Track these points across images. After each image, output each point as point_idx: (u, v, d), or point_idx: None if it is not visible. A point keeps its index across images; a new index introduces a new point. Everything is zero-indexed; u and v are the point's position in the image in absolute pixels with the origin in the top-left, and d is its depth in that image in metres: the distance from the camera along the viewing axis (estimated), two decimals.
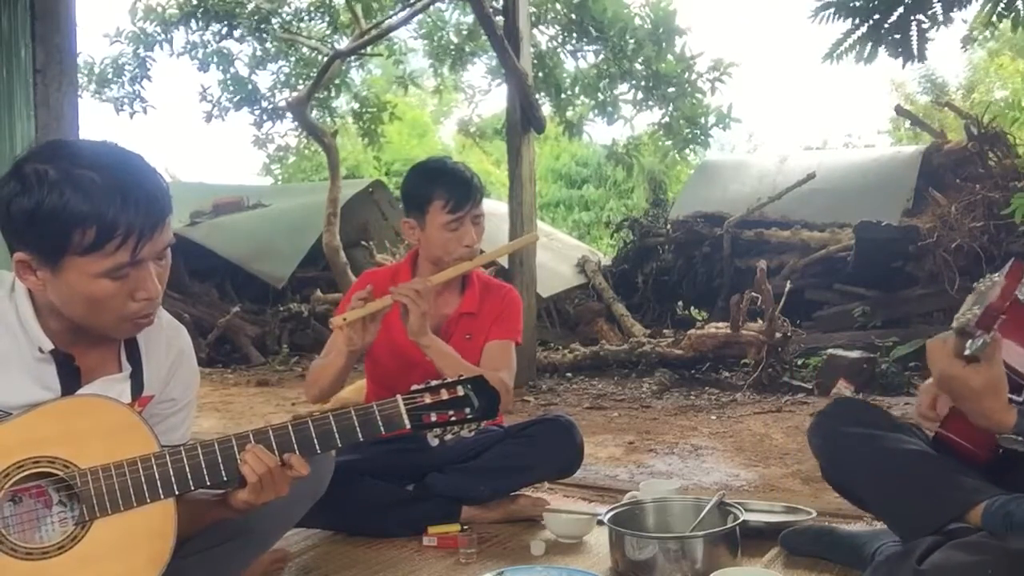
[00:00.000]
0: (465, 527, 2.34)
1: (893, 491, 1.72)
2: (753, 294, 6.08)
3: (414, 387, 1.54)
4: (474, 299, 2.44)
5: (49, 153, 1.35)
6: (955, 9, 3.69)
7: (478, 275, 2.50)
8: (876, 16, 3.66)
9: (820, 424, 1.93)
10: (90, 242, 1.31)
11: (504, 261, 6.81)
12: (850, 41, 3.76)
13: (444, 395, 1.54)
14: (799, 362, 6.40)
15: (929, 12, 3.65)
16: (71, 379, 1.43)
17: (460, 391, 1.54)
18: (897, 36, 3.68)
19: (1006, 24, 3.83)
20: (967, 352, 1.48)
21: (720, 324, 6.54)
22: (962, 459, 1.69)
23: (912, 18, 3.66)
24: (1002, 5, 3.63)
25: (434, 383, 1.55)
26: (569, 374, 6.89)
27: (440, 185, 2.32)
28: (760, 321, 6.18)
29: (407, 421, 1.51)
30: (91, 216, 1.30)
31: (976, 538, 1.51)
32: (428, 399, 1.53)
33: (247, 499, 1.46)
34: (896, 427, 1.83)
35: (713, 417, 5.18)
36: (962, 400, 1.56)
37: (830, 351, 6.02)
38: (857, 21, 3.70)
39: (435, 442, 1.54)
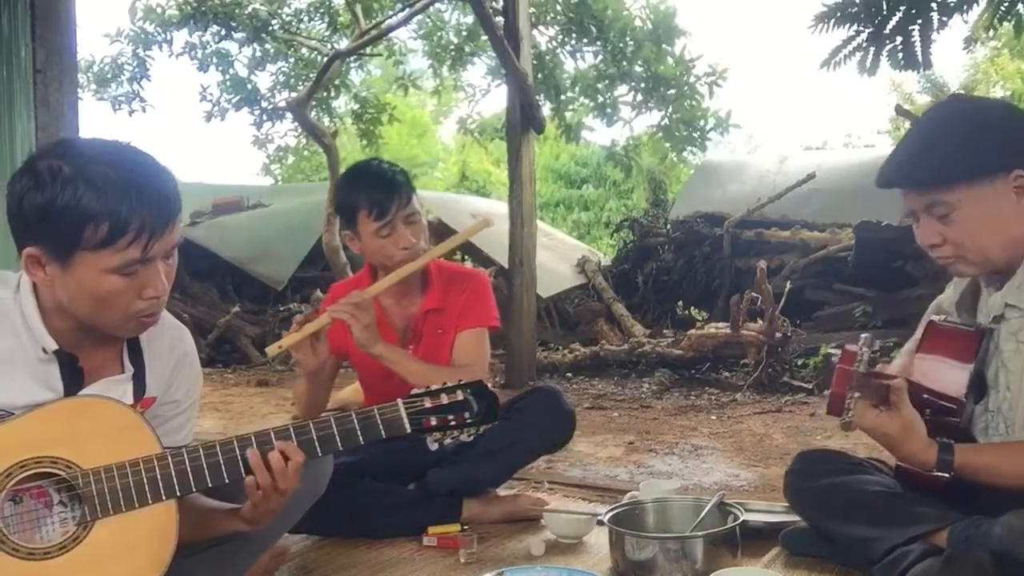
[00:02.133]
0: (465, 527, 2.34)
1: (861, 530, 1.77)
2: (753, 294, 6.08)
3: (415, 391, 1.55)
4: (436, 294, 2.40)
5: (62, 150, 1.36)
6: (958, 13, 3.67)
7: (439, 267, 2.45)
8: (877, 20, 3.63)
9: (791, 485, 1.98)
10: (102, 238, 1.32)
11: (504, 261, 6.80)
12: (850, 48, 3.73)
13: (444, 400, 1.55)
14: (799, 362, 6.40)
15: (928, 16, 3.63)
16: (74, 380, 1.43)
17: (460, 395, 1.55)
18: (899, 41, 3.66)
19: (1007, 24, 3.81)
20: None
21: (720, 324, 6.54)
22: (925, 486, 1.72)
23: (912, 24, 3.64)
24: (1003, 8, 3.62)
25: (435, 387, 1.56)
26: (569, 374, 6.89)
27: (362, 194, 2.29)
28: (760, 321, 6.18)
29: (408, 425, 1.52)
30: (104, 212, 1.31)
31: (948, 554, 1.59)
32: (428, 403, 1.54)
33: (249, 509, 1.48)
34: (855, 467, 1.89)
35: (713, 417, 5.18)
36: (886, 446, 1.64)
37: (830, 351, 6.02)
38: (858, 27, 3.67)
39: (434, 446, 1.55)
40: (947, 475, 1.58)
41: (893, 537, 1.68)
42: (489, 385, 1.59)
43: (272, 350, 2.11)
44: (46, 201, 1.31)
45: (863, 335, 1.60)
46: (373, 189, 2.28)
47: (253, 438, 1.46)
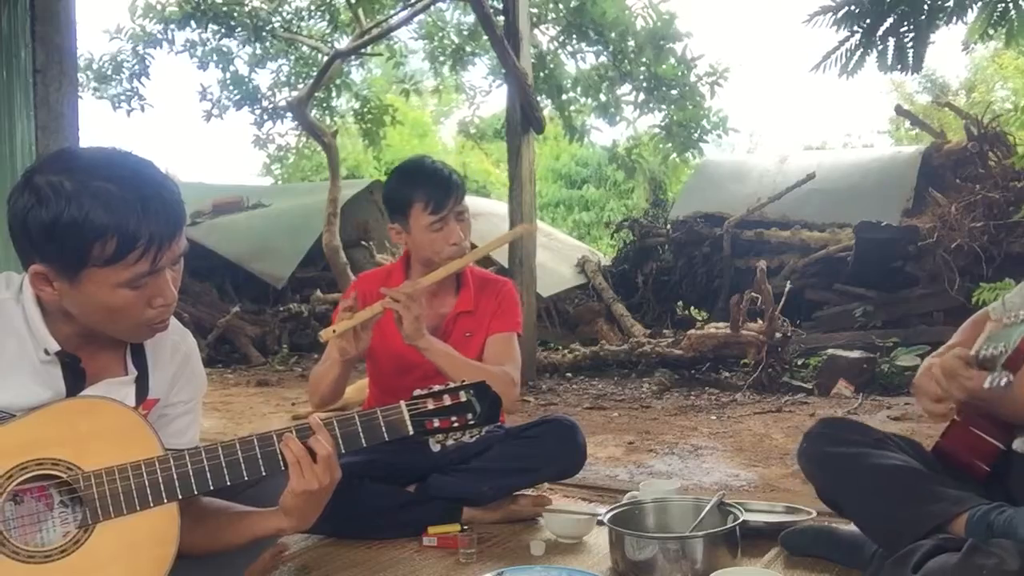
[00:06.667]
0: (465, 527, 2.34)
1: (877, 506, 1.74)
2: (753, 294, 6.08)
3: (417, 392, 1.55)
4: (470, 297, 2.44)
5: (62, 164, 1.34)
6: (954, 19, 3.65)
7: (472, 271, 2.50)
8: (868, 21, 3.61)
9: (807, 449, 1.94)
10: (111, 253, 1.30)
11: (504, 261, 6.80)
12: (843, 50, 3.71)
13: (447, 401, 1.55)
14: (799, 362, 6.39)
15: (924, 19, 3.61)
16: (76, 381, 1.43)
17: (463, 397, 1.55)
18: (891, 43, 3.64)
19: (1001, 30, 3.79)
20: (986, 386, 1.50)
21: (720, 324, 6.53)
22: (960, 469, 1.70)
23: (906, 27, 3.62)
24: (997, 14, 3.60)
25: (437, 388, 1.56)
26: (569, 374, 6.89)
27: (419, 187, 2.33)
28: (760, 321, 6.18)
29: (411, 427, 1.52)
30: (112, 227, 1.29)
31: (969, 544, 1.53)
32: (431, 405, 1.54)
33: (292, 487, 1.48)
34: (878, 442, 1.85)
35: (713, 417, 5.18)
36: (1003, 409, 1.60)
37: (830, 351, 6.02)
38: (854, 28, 3.65)
39: (437, 448, 1.55)
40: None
41: (907, 519, 1.64)
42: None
43: (326, 334, 2.12)
44: (51, 218, 1.29)
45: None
46: (431, 184, 2.33)
47: (255, 440, 1.46)
